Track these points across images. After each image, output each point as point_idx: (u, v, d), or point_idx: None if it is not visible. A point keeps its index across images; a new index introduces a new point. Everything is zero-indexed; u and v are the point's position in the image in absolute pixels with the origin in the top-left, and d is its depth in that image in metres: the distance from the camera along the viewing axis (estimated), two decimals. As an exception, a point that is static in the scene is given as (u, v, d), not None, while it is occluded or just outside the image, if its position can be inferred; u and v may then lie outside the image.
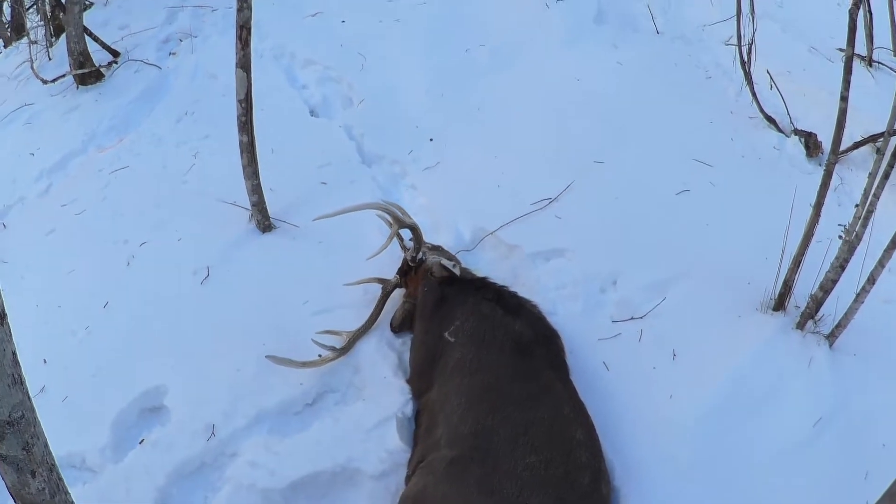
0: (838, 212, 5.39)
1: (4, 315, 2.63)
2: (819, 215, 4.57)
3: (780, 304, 4.85)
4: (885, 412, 4.46)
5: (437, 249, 5.10)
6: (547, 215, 5.49)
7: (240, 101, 5.15)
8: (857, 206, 4.36)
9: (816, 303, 4.67)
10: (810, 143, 6.21)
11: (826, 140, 5.83)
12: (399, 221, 4.87)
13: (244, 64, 5.06)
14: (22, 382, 2.73)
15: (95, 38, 7.64)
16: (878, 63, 7.04)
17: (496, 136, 6.17)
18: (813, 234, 4.61)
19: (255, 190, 5.42)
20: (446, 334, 4.49)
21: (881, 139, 4.82)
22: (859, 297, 4.47)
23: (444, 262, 4.81)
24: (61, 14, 7.63)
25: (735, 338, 4.76)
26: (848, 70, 4.43)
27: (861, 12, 5.74)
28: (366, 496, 4.25)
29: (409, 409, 4.55)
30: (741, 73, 6.65)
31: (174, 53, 7.68)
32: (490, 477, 3.70)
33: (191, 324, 5.06)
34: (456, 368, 4.31)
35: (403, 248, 5.15)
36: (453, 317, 4.56)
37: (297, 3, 7.83)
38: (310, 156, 6.19)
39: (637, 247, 5.24)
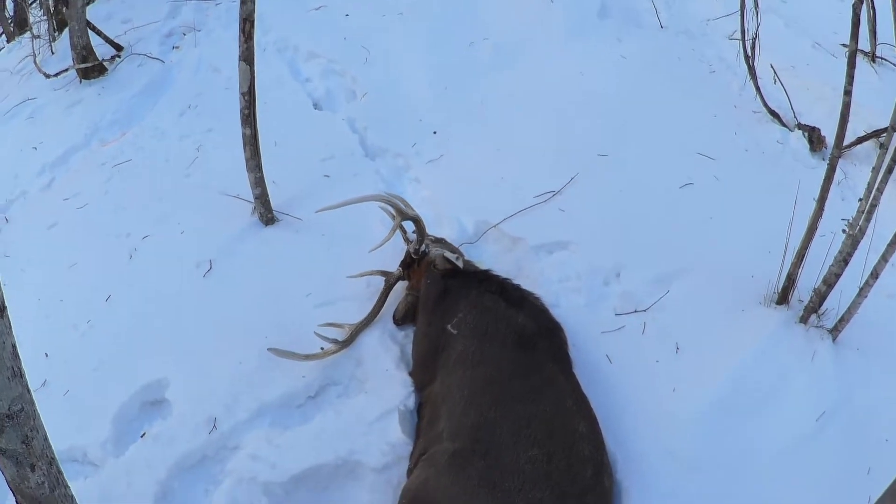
0: (842, 206, 5.39)
1: (4, 308, 2.62)
2: (822, 209, 4.56)
3: (783, 298, 4.85)
4: (888, 407, 4.46)
5: (440, 242, 5.08)
6: (550, 208, 5.48)
7: (243, 94, 5.15)
8: (860, 200, 4.35)
9: (820, 297, 4.67)
10: (814, 138, 6.21)
11: (829, 135, 5.81)
12: (402, 213, 4.86)
13: (247, 57, 5.05)
14: (21, 375, 2.72)
15: (98, 33, 7.63)
16: (882, 59, 7.05)
17: (499, 130, 6.17)
18: (816, 228, 4.60)
19: (259, 183, 5.41)
20: (449, 327, 4.48)
21: (884, 134, 4.81)
22: (862, 291, 4.47)
23: (448, 254, 4.79)
24: (64, 8, 7.63)
25: (738, 331, 4.76)
26: (851, 65, 4.42)
27: (864, 8, 5.73)
28: (367, 489, 4.25)
29: (411, 402, 4.55)
30: (745, 67, 6.65)
31: (177, 47, 7.67)
32: (492, 470, 3.70)
33: (193, 317, 5.05)
34: (458, 361, 4.30)
35: (406, 240, 5.15)
36: (456, 309, 4.55)
37: (301, -3, 7.82)
38: (313, 149, 6.18)
39: (641, 240, 5.23)
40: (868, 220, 4.33)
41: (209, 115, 6.69)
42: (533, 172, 5.70)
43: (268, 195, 5.51)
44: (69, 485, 3.16)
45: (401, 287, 5.03)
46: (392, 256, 5.09)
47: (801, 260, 4.70)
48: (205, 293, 5.19)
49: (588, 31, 7.16)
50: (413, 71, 6.84)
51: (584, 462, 3.79)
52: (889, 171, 4.24)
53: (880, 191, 4.28)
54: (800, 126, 6.33)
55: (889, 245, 4.27)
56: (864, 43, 6.55)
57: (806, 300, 4.77)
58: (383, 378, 4.65)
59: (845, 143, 4.86)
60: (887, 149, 4.33)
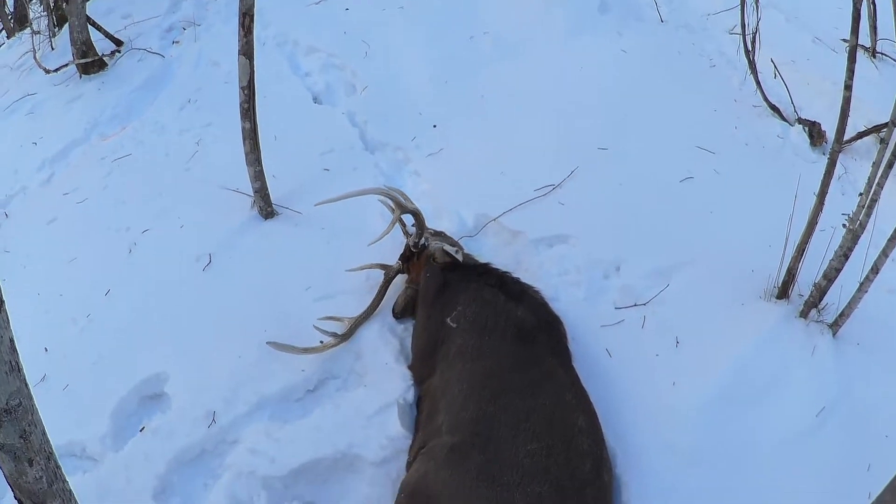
0: (842, 201, 5.36)
1: (2, 302, 2.62)
2: (823, 204, 4.55)
3: (783, 292, 4.84)
4: (887, 403, 4.45)
5: (439, 235, 5.08)
6: (550, 202, 5.47)
7: (242, 89, 5.15)
8: (860, 195, 4.34)
9: (820, 291, 4.66)
10: (814, 133, 6.20)
11: (830, 129, 5.83)
12: (401, 207, 4.85)
13: (247, 51, 5.05)
14: (19, 370, 2.71)
15: (98, 28, 7.64)
16: (882, 54, 7.05)
17: (500, 123, 6.17)
18: (816, 223, 4.59)
19: (258, 176, 5.41)
20: (448, 320, 4.47)
21: (885, 129, 4.81)
22: (863, 286, 4.46)
23: (447, 247, 4.78)
24: (64, 4, 7.64)
25: (738, 325, 4.74)
26: (852, 59, 4.42)
27: (865, 3, 5.73)
28: (366, 483, 4.24)
29: (410, 396, 4.53)
30: (745, 62, 6.65)
31: (177, 42, 7.69)
32: (491, 464, 3.68)
33: (192, 311, 5.05)
34: (458, 354, 4.29)
35: (406, 233, 5.14)
36: (455, 303, 4.54)
37: (301, -9, 7.81)
38: (313, 143, 6.19)
39: (641, 233, 5.23)
40: (868, 214, 4.32)
41: (209, 110, 6.71)
42: (533, 166, 5.69)
43: (267, 189, 5.52)
44: (67, 479, 3.15)
45: (400, 280, 5.03)
46: (391, 250, 5.08)
47: (802, 254, 4.69)
48: (204, 287, 5.19)
49: (588, 26, 7.17)
50: (413, 65, 6.85)
51: (583, 456, 3.78)
52: (889, 166, 4.23)
53: (881, 186, 4.27)
54: (800, 121, 6.33)
55: (889, 240, 4.26)
56: (864, 38, 6.54)
57: (806, 295, 4.76)
58: (382, 371, 4.64)
59: (846, 137, 4.85)
60: (888, 144, 4.32)
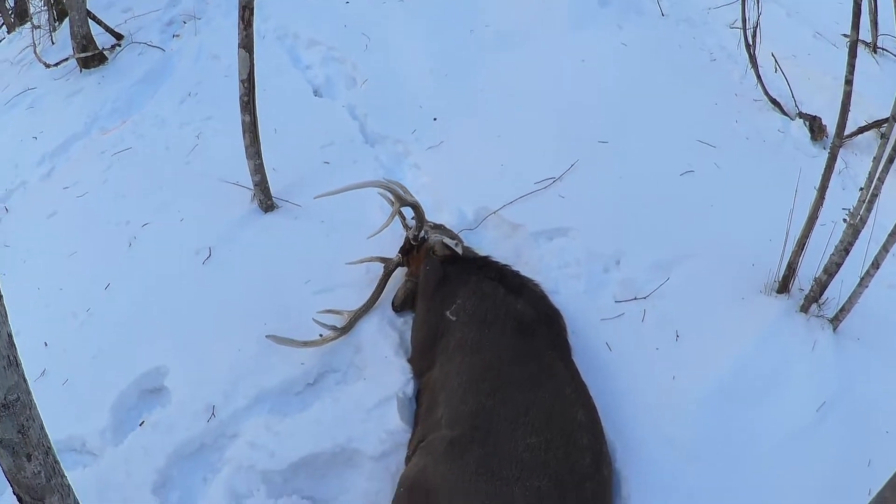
0: (843, 195, 5.38)
1: (0, 296, 2.61)
2: (823, 198, 4.56)
3: (784, 286, 4.83)
4: (888, 399, 4.45)
5: (439, 228, 5.08)
6: (550, 195, 5.47)
7: (242, 82, 5.14)
8: (861, 189, 4.33)
9: (821, 286, 4.66)
10: (815, 127, 6.21)
11: (830, 124, 5.83)
12: (401, 199, 4.85)
13: (246, 44, 5.04)
14: (18, 364, 2.71)
15: (99, 22, 7.64)
16: (883, 50, 7.07)
17: (500, 116, 6.16)
18: (817, 217, 4.59)
19: (258, 170, 5.40)
20: (448, 313, 4.47)
21: (885, 125, 4.80)
22: (863, 281, 4.45)
23: (447, 240, 4.78)
24: (64, -2, 7.64)
25: (739, 320, 4.74)
26: (852, 54, 4.42)
27: (865, -2, 5.73)
28: (366, 477, 4.23)
29: (409, 389, 4.53)
30: (746, 56, 6.65)
31: (178, 35, 7.69)
32: (490, 458, 3.68)
33: (192, 304, 5.05)
34: (457, 348, 4.29)
35: (405, 226, 5.13)
36: (455, 296, 4.54)
37: (301, -16, 7.81)
38: (313, 136, 6.18)
39: (641, 227, 5.22)
40: (869, 209, 4.32)
41: (209, 103, 6.71)
42: (533, 159, 5.68)
43: (267, 182, 5.51)
44: (67, 474, 3.15)
45: (400, 273, 5.02)
46: (391, 243, 5.08)
47: (802, 249, 4.69)
48: (204, 280, 5.19)
49: (589, 19, 7.16)
50: (413, 58, 6.84)
51: (583, 450, 3.77)
52: (890, 161, 4.23)
53: (881, 181, 4.27)
54: (801, 115, 6.33)
55: (890, 235, 4.25)
56: (865, 34, 6.56)
57: (807, 289, 4.76)
58: (382, 365, 4.64)
59: (846, 132, 4.86)
60: (888, 139, 4.32)
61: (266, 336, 4.53)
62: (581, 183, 5.52)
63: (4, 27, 9.60)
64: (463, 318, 4.42)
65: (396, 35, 7.12)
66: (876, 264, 4.37)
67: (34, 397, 2.86)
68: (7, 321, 2.65)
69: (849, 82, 4.45)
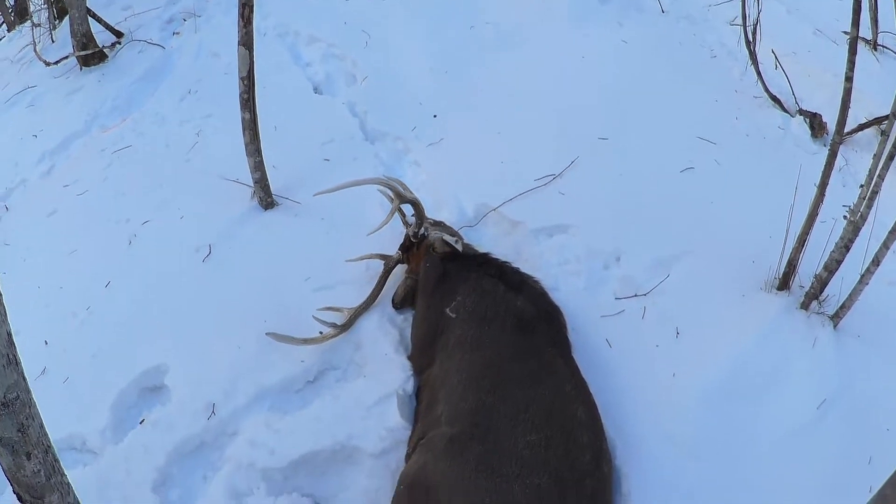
0: (843, 192, 5.37)
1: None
2: (823, 195, 4.55)
3: (784, 283, 4.83)
4: (889, 396, 4.44)
5: (439, 225, 5.08)
6: (551, 191, 5.47)
7: (242, 79, 5.14)
8: (861, 186, 4.33)
9: (821, 283, 4.66)
10: (815, 124, 6.21)
11: (831, 121, 5.82)
12: (400, 196, 4.84)
13: (246, 42, 5.04)
14: (17, 363, 2.71)
15: (99, 20, 7.64)
16: (883, 47, 7.07)
17: (500, 113, 6.16)
18: (817, 214, 4.59)
19: (258, 167, 5.40)
20: (448, 310, 4.46)
21: (886, 122, 4.80)
22: (864, 278, 4.45)
23: (447, 237, 4.77)
24: (65, -4, 7.64)
25: (739, 317, 4.74)
26: (852, 51, 4.41)
27: (865, -5, 5.73)
28: (366, 474, 4.23)
29: (409, 386, 4.52)
30: (746, 53, 6.66)
31: (178, 33, 7.70)
32: (490, 455, 3.67)
33: (192, 302, 5.04)
34: (457, 345, 4.28)
35: (405, 223, 5.14)
36: (455, 293, 4.53)
37: (301, -19, 7.81)
38: (313, 133, 6.19)
39: (641, 224, 5.21)
40: (869, 206, 4.32)
41: (209, 101, 6.71)
42: (533, 156, 5.69)
43: (267, 179, 5.51)
44: (67, 472, 3.15)
45: (400, 270, 5.02)
46: (391, 240, 5.08)
47: (802, 245, 4.69)
48: (204, 278, 5.18)
49: (589, 16, 7.17)
50: (413, 55, 6.85)
51: (583, 448, 3.76)
52: (890, 158, 4.22)
53: (881, 178, 4.26)
54: (801, 112, 6.33)
55: (890, 232, 4.25)
56: (865, 31, 6.57)
57: (807, 286, 4.76)
58: (382, 362, 4.63)
59: (846, 129, 4.85)
60: (888, 136, 4.31)
61: (266, 333, 4.52)
62: (581, 180, 5.52)
63: (4, 25, 9.60)
64: (463, 314, 4.41)
65: (396, 32, 7.13)
66: (876, 261, 4.37)
67: (34, 396, 2.86)
68: (6, 320, 2.65)
69: (849, 79, 4.44)
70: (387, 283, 4.95)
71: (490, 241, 5.29)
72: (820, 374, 4.48)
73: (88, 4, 7.47)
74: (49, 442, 2.97)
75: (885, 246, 4.31)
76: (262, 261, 5.22)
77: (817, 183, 4.57)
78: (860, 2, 4.35)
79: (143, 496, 4.18)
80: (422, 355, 4.52)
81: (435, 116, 6.24)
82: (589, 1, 7.32)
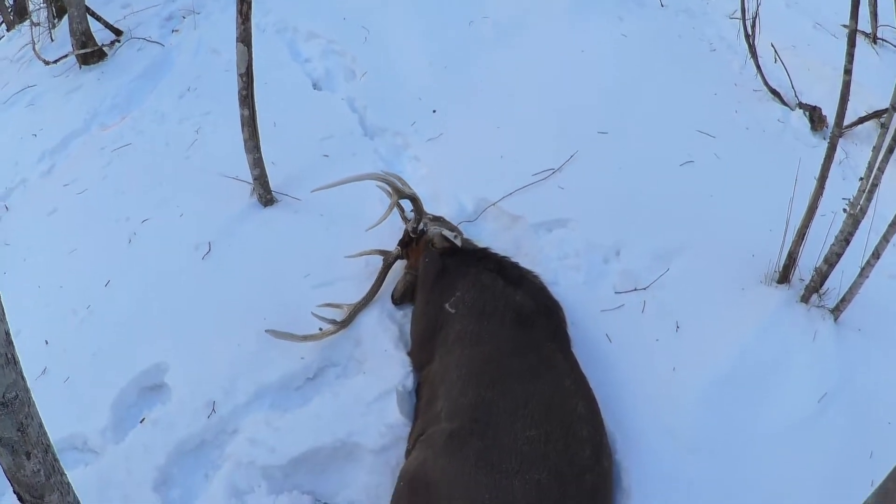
0: (843, 185, 5.37)
1: (-3, 295, 2.62)
2: (823, 188, 4.55)
3: (784, 276, 4.82)
4: (889, 389, 4.43)
5: (438, 220, 5.07)
6: (550, 186, 5.46)
7: (241, 76, 5.14)
8: (861, 179, 4.32)
9: (821, 276, 4.65)
10: (815, 117, 6.21)
11: (830, 114, 5.81)
12: (399, 192, 4.85)
13: (245, 38, 5.04)
14: (16, 362, 2.71)
15: (98, 18, 7.64)
16: (883, 40, 7.08)
17: (499, 108, 6.16)
18: (817, 207, 4.58)
19: (257, 164, 5.40)
20: (447, 305, 4.46)
21: (885, 114, 4.80)
22: (864, 271, 4.45)
23: (446, 232, 4.77)
24: (63, -5, 7.64)
25: (739, 310, 4.73)
26: (851, 43, 4.41)
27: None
28: (366, 471, 4.23)
29: (409, 382, 4.52)
30: (745, 46, 6.66)
31: (177, 31, 7.70)
32: (490, 450, 3.66)
33: (192, 299, 5.05)
34: (457, 340, 4.28)
35: (404, 218, 5.14)
36: (454, 288, 4.53)
37: (300, -22, 7.80)
38: (312, 129, 6.19)
39: (641, 217, 5.21)
40: (869, 199, 4.31)
41: (208, 98, 6.72)
42: (532, 150, 5.68)
43: (266, 176, 5.51)
44: (67, 472, 3.16)
45: (399, 266, 5.01)
46: (390, 235, 5.07)
47: (802, 239, 4.68)
48: (204, 276, 5.19)
49: (589, 10, 7.16)
50: (412, 50, 6.85)
51: (583, 442, 3.76)
52: (890, 151, 4.21)
53: (881, 170, 4.26)
54: (801, 105, 6.33)
55: (890, 225, 4.25)
56: (864, 24, 6.56)
57: (807, 279, 4.75)
58: (382, 358, 4.63)
59: (846, 122, 4.87)
60: (888, 129, 4.30)
61: (266, 330, 4.53)
62: (581, 174, 5.51)
63: (4, 25, 9.60)
64: (462, 310, 4.41)
65: (395, 27, 7.12)
66: (876, 254, 4.37)
67: (34, 395, 2.85)
68: (5, 319, 2.64)
69: (848, 72, 4.44)
70: (386, 278, 4.94)
71: (489, 235, 5.29)
72: (820, 368, 4.47)
73: (87, 3, 7.48)
74: (49, 441, 2.97)
75: (885, 239, 4.30)
76: (261, 258, 5.22)
77: (817, 176, 4.56)
78: (859, -6, 4.36)
79: (144, 495, 4.19)
80: (421, 351, 4.52)
81: (434, 111, 6.24)
82: (589, -6, 7.32)
